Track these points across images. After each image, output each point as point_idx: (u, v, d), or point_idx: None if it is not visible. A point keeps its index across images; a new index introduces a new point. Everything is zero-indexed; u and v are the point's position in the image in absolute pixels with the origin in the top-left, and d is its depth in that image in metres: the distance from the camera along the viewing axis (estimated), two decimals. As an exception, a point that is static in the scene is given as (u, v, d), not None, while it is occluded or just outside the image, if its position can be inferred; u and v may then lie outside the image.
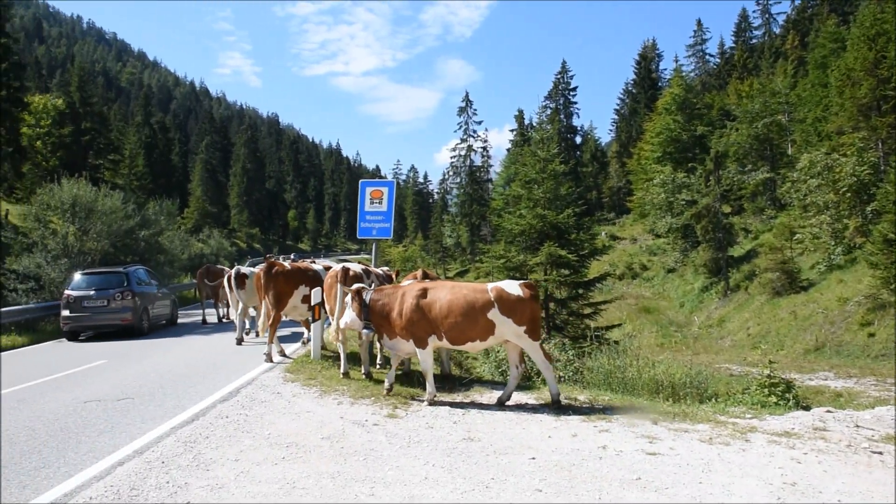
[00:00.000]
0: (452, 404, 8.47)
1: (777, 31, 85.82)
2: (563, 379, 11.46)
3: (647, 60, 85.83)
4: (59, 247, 23.51)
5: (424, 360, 8.66)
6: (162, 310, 20.31)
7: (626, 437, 6.85)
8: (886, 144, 34.16)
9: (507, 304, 8.18)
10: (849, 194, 31.91)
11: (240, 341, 15.09)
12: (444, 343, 8.58)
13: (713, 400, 9.62)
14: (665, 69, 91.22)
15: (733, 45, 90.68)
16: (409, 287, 8.93)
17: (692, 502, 5.11)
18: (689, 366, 11.08)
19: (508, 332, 8.25)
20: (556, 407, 8.26)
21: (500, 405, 8.43)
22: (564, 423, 7.48)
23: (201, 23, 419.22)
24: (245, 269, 15.82)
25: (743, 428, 7.18)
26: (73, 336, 17.87)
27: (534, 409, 8.28)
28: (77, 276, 18.63)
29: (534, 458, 6.14)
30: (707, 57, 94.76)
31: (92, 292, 17.78)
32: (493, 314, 8.18)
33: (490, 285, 8.51)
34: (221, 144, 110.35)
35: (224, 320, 20.98)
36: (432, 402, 8.55)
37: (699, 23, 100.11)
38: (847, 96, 36.05)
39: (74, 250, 23.98)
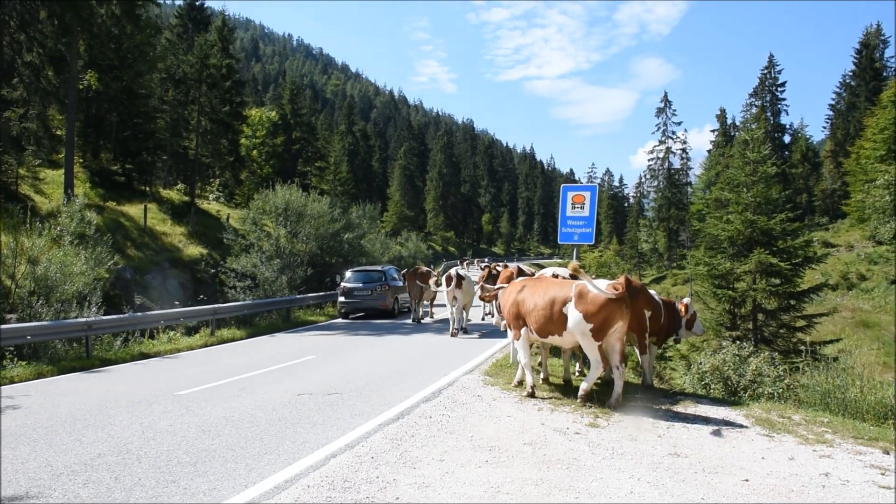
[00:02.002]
0: (655, 416, 8.19)
1: None
2: (773, 396, 10.71)
3: (870, 48, 78.08)
4: (272, 248, 25.32)
5: (518, 351, 9.58)
6: (406, 299, 24.62)
7: (853, 466, 6.27)
8: None
9: (583, 300, 8.35)
10: None
11: (454, 334, 17.33)
12: (534, 336, 9.18)
13: (957, 431, 8.58)
14: (892, 57, 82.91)
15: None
16: (516, 284, 9.70)
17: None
18: (924, 390, 9.96)
19: (576, 327, 8.40)
20: (581, 402, 8.67)
21: (613, 408, 8.54)
22: (779, 445, 7.00)
23: (399, 33, 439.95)
24: (462, 271, 17.89)
25: None
26: (346, 316, 23.88)
27: (742, 426, 7.81)
28: (348, 273, 23.93)
29: (747, 480, 5.78)
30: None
31: (360, 285, 23.43)
32: (568, 308, 8.52)
33: (578, 282, 8.73)
34: (419, 150, 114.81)
35: (422, 321, 21.68)
36: (531, 395, 9.26)
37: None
38: None
39: (286, 251, 25.74)
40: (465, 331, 18.09)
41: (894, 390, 9.15)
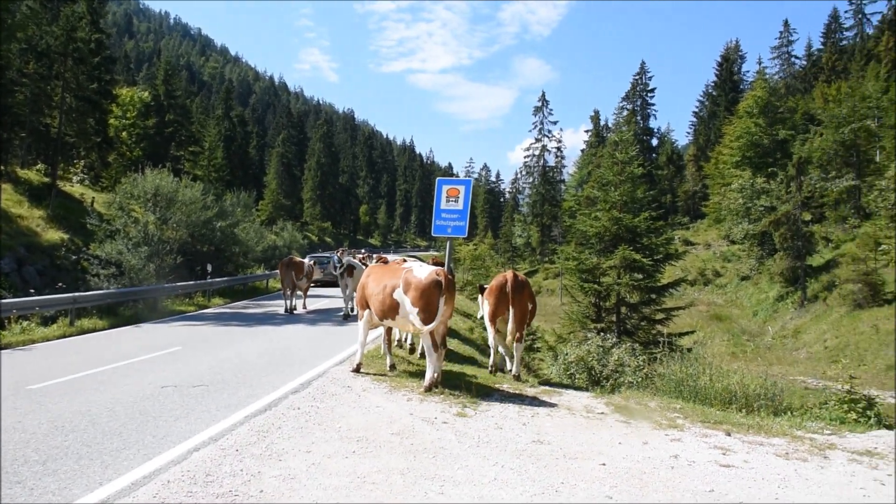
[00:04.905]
0: (521, 405, 8.45)
1: (870, 32, 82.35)
2: (633, 384, 11.28)
3: (730, 62, 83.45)
4: (139, 235, 24.23)
5: (358, 329, 10.33)
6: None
7: (699, 448, 6.72)
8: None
9: (407, 285, 8.92)
10: (941, 205, 30.44)
11: (346, 317, 19.19)
12: (375, 319, 9.84)
13: (788, 413, 9.33)
14: (748, 71, 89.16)
15: (821, 46, 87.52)
16: (368, 269, 10.55)
17: (768, 519, 4.98)
18: (764, 377, 10.76)
19: (409, 312, 8.97)
20: (426, 391, 8.85)
21: (428, 391, 8.89)
22: (635, 430, 7.39)
23: (282, 19, 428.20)
24: (354, 261, 19.28)
25: (821, 444, 6.96)
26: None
27: (603, 413, 8.19)
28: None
29: (604, 465, 6.08)
30: (792, 59, 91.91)
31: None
32: (398, 293, 9.14)
33: (406, 267, 9.33)
34: (297, 139, 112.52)
35: (294, 312, 21.39)
36: (356, 370, 10.20)
37: (786, 23, 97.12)
38: (944, 102, 34.41)
39: (154, 238, 24.70)
40: (352, 313, 18.79)
41: None
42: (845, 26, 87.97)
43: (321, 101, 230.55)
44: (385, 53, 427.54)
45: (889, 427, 8.83)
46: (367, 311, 9.95)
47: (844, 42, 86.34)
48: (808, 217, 43.68)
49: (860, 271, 31.84)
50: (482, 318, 12.64)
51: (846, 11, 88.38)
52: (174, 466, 5.83)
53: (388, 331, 10.65)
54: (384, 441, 6.63)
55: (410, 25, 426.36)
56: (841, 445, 6.95)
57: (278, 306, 23.06)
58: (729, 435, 7.25)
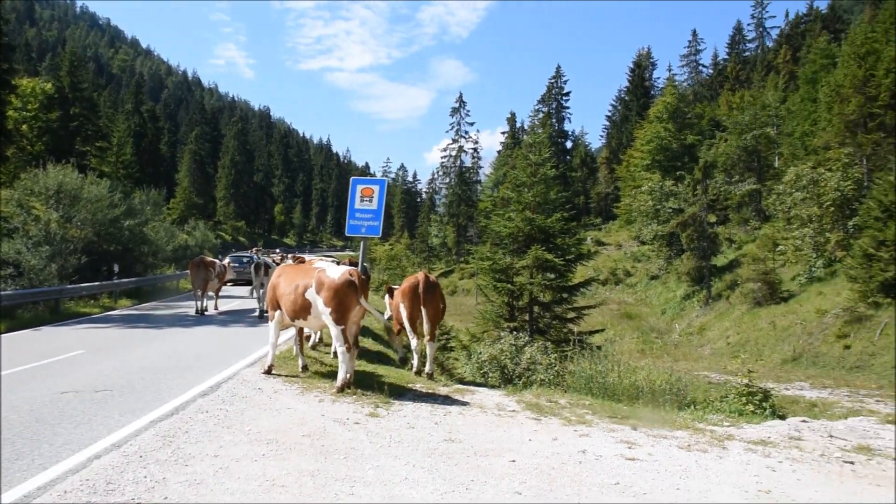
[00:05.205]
0: (434, 405, 8.49)
1: (770, 44, 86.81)
2: (545, 382, 11.49)
3: (641, 68, 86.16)
4: (40, 233, 23.17)
5: (269, 331, 10.17)
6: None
7: (606, 442, 6.91)
8: (871, 161, 34.67)
9: (320, 285, 8.90)
10: (832, 209, 32.29)
11: (261, 315, 18.91)
12: (287, 319, 9.72)
13: (692, 407, 9.72)
14: (658, 78, 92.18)
15: (727, 56, 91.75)
16: (278, 269, 10.37)
17: (668, 509, 5.16)
18: (670, 373, 11.18)
19: (321, 312, 8.96)
20: (338, 392, 8.77)
21: (340, 391, 8.79)
22: (545, 427, 7.53)
23: (197, 13, 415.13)
24: (268, 260, 20.03)
25: (720, 436, 7.28)
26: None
27: (514, 411, 8.31)
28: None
29: (514, 461, 6.17)
30: (700, 67, 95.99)
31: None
32: (310, 293, 9.08)
33: (318, 267, 9.36)
34: (211, 136, 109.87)
35: (205, 313, 20.88)
36: (268, 371, 9.98)
37: (694, 33, 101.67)
38: (835, 112, 36.59)
39: (57, 237, 23.66)
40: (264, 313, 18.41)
41: None
42: (748, 38, 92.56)
43: (236, 98, 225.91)
44: (303, 51, 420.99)
45: (782, 417, 9.31)
46: (279, 311, 9.79)
47: (747, 53, 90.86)
48: (713, 219, 45.52)
49: (760, 271, 33.38)
50: (390, 318, 12.73)
51: (749, 24, 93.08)
52: (72, 475, 5.57)
53: (300, 331, 10.50)
54: (295, 443, 6.54)
55: (329, 23, 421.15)
56: (738, 436, 7.29)
57: (189, 307, 22.43)
58: (635, 429, 7.48)
